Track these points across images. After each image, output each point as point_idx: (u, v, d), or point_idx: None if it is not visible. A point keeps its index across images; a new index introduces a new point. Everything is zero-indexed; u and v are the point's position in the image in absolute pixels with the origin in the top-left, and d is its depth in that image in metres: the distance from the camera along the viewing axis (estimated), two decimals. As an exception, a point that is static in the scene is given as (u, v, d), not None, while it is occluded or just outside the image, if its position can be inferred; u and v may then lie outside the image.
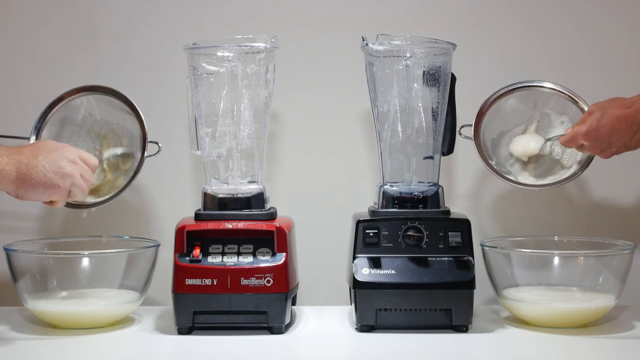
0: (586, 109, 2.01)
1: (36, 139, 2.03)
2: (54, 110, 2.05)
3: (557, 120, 2.06)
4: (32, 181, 1.80)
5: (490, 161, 2.04)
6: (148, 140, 2.01)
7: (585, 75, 2.26)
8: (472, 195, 2.28)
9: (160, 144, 2.03)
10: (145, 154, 2.00)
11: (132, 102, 2.03)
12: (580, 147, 1.95)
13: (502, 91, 2.06)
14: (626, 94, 2.22)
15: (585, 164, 2.01)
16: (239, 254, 1.93)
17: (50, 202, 1.86)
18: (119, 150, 2.04)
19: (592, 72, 2.26)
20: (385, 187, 2.02)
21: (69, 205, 1.98)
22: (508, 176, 2.03)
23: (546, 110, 2.07)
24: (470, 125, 2.04)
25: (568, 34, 2.27)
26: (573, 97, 2.04)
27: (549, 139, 2.03)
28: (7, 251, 1.97)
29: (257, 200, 1.99)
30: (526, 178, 2.04)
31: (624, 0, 2.26)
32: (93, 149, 2.05)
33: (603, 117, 1.90)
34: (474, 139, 2.04)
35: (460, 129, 2.04)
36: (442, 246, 1.94)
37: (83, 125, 2.06)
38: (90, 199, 2.00)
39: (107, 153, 2.05)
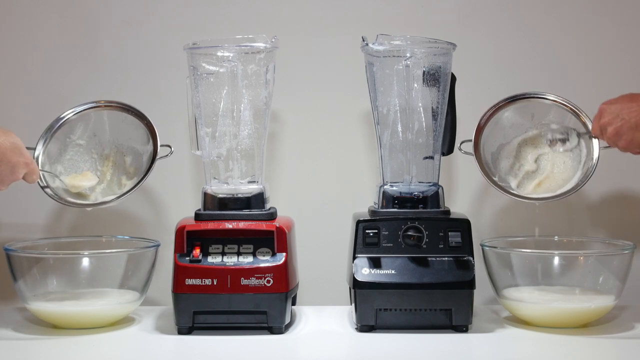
0: (588, 123, 2.00)
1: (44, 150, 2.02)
2: (59, 125, 2.04)
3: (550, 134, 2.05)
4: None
5: (493, 177, 2.02)
6: (160, 144, 2.01)
7: (583, 74, 2.26)
8: (472, 195, 2.28)
9: (172, 147, 2.03)
10: (157, 156, 2.00)
11: (139, 110, 2.03)
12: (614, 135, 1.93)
13: (500, 104, 2.04)
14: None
15: (587, 176, 1.99)
16: (239, 254, 1.93)
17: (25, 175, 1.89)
18: (109, 199, 2.02)
19: (590, 72, 2.26)
20: (385, 187, 2.02)
21: (81, 206, 2.00)
22: (510, 190, 2.02)
23: (544, 122, 2.05)
24: (470, 140, 2.03)
25: (567, 35, 2.27)
26: (574, 109, 2.02)
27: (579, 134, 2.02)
28: (7, 251, 1.97)
29: (257, 200, 1.99)
30: (527, 189, 2.03)
31: (623, 6, 2.26)
32: (95, 169, 2.05)
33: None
34: (475, 154, 2.02)
35: (460, 144, 2.03)
36: (442, 246, 1.94)
37: (86, 146, 2.05)
38: (98, 198, 2.01)
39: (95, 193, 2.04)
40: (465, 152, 2.03)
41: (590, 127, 1.99)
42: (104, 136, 2.06)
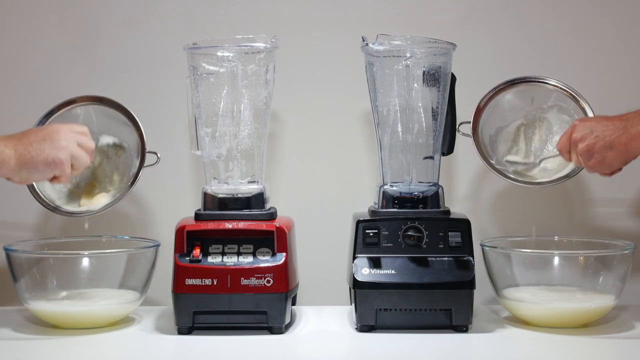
0: (587, 109, 2.01)
1: None
2: (51, 118, 2.04)
3: (557, 118, 2.05)
4: (33, 161, 1.82)
5: (490, 160, 2.03)
6: (147, 150, 2.01)
7: (583, 74, 2.25)
8: (472, 195, 2.28)
9: (159, 154, 2.03)
10: (145, 164, 2.01)
11: (131, 112, 2.03)
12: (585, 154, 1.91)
13: (500, 87, 2.05)
14: (623, 96, 2.22)
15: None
16: (239, 254, 1.93)
17: (56, 178, 1.86)
18: (110, 140, 2.03)
19: (590, 72, 2.26)
20: (385, 187, 2.02)
21: (68, 214, 2.01)
22: (508, 174, 2.03)
23: (548, 104, 2.06)
24: (469, 122, 2.04)
25: (567, 35, 2.27)
26: (573, 94, 2.03)
27: (544, 159, 2.03)
28: (7, 251, 1.97)
29: (257, 200, 1.99)
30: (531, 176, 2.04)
31: (623, 6, 2.26)
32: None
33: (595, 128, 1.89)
34: (473, 136, 2.03)
35: (459, 125, 2.04)
36: (442, 246, 1.94)
37: None
38: (85, 207, 2.01)
39: (100, 141, 2.04)
40: (464, 134, 2.04)
41: (589, 113, 1.99)
42: (95, 129, 2.05)
